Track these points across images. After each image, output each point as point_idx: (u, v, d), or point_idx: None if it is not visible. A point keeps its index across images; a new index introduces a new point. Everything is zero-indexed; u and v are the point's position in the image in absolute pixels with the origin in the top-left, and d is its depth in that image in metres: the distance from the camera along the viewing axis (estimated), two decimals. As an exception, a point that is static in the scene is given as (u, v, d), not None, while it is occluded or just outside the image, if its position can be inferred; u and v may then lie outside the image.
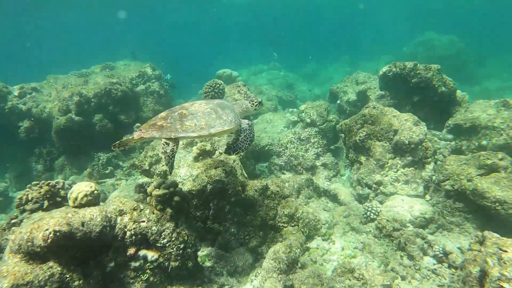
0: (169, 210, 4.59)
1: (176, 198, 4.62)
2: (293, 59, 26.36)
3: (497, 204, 5.31)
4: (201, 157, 6.15)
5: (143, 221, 4.46)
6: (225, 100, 7.80)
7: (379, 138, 6.61)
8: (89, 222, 4.03)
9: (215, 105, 4.31)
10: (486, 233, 4.33)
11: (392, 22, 39.43)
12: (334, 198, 6.88)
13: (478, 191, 5.49)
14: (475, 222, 5.75)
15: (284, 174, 8.10)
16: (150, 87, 11.46)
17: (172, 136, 3.90)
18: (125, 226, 4.36)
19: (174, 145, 4.01)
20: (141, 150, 8.58)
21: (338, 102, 10.91)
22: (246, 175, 6.37)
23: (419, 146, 6.44)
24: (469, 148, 7.57)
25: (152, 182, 6.33)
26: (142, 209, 4.57)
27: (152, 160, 6.81)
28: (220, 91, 7.94)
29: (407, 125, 6.45)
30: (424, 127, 6.52)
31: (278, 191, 6.18)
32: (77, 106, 9.32)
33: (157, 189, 4.59)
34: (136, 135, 4.03)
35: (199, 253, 5.76)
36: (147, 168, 6.90)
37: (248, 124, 4.71)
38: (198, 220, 5.81)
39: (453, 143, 7.98)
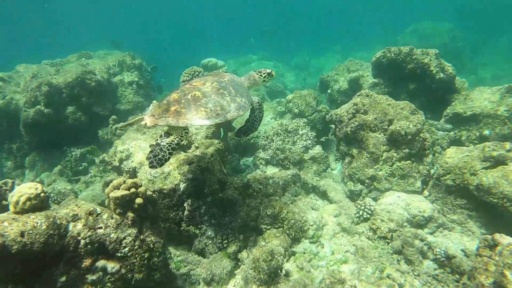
0: (130, 215, 3.93)
1: (138, 201, 3.95)
2: (284, 49, 25.58)
3: (505, 201, 4.74)
4: (174, 152, 5.47)
5: (100, 228, 3.82)
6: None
7: (373, 128, 5.99)
8: (31, 232, 3.34)
9: (227, 83, 4.01)
10: (497, 236, 3.74)
11: (385, 10, 38.72)
12: (323, 195, 6.27)
13: (484, 186, 4.91)
14: (480, 220, 5.18)
15: (270, 169, 7.48)
16: (128, 77, 10.66)
17: (189, 125, 3.58)
18: (79, 234, 3.70)
19: (177, 138, 3.72)
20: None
21: (329, 91, 10.26)
22: (225, 172, 5.72)
23: (417, 137, 5.83)
24: (469, 139, 7.00)
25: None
26: (99, 214, 3.90)
27: (123, 156, 6.11)
28: (200, 79, 7.23)
29: (403, 114, 5.84)
30: (421, 116, 5.91)
31: (261, 188, 5.55)
32: (46, 97, 8.52)
33: (116, 190, 3.92)
34: (149, 121, 3.59)
35: (175, 258, 5.17)
36: (117, 164, 6.20)
37: (258, 103, 4.49)
38: (172, 222, 5.19)
39: (452, 133, 7.41)
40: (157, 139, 3.76)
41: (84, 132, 9.21)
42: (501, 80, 15.76)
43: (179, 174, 5.10)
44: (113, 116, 8.94)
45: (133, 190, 3.95)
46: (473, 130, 6.99)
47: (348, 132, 6.19)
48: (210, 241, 5.07)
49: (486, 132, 6.64)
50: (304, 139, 7.56)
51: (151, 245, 4.02)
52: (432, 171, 5.98)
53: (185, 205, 5.12)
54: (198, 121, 3.57)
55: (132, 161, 5.66)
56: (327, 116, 7.74)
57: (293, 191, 5.92)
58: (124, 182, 4.02)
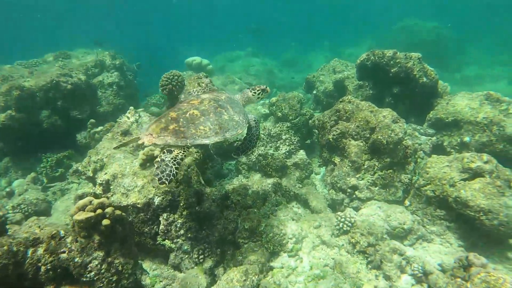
0: (96, 237, 3.76)
1: (105, 222, 3.77)
2: (273, 45, 25.24)
3: (481, 214, 4.73)
4: (148, 164, 5.29)
5: (63, 252, 3.65)
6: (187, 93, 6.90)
7: (355, 136, 5.90)
8: (-24, 263, 3.19)
9: (224, 101, 4.04)
10: (471, 256, 3.72)
11: (373, 7, 38.60)
12: (305, 203, 6.18)
13: (461, 199, 4.88)
14: (458, 232, 5.17)
15: (253, 174, 7.36)
16: (108, 78, 10.32)
17: (188, 144, 3.57)
18: (39, 260, 3.55)
19: (180, 153, 3.60)
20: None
21: (315, 92, 10.15)
22: (203, 182, 5.56)
23: (398, 146, 5.77)
24: (450, 144, 7.00)
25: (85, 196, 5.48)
26: (63, 237, 3.75)
27: (97, 166, 5.89)
28: (179, 83, 7.00)
29: (385, 123, 5.76)
30: (403, 125, 5.84)
31: (239, 200, 5.43)
32: (18, 101, 8.15)
33: (80, 212, 3.74)
34: (146, 140, 3.58)
35: (150, 273, 5.04)
36: (91, 175, 5.99)
37: (254, 120, 4.52)
38: (147, 236, 5.04)
39: (434, 138, 7.39)
40: (160, 156, 3.63)
41: (61, 137, 8.88)
42: (483, 80, 15.94)
43: (154, 187, 4.94)
44: (91, 120, 8.64)
45: (99, 211, 3.78)
46: (455, 136, 6.98)
47: (330, 139, 6.09)
48: (186, 256, 4.94)
49: (467, 138, 6.64)
50: (287, 144, 7.44)
51: (120, 268, 3.87)
52: (414, 179, 5.94)
53: (160, 219, 4.97)
54: (197, 140, 3.58)
55: (106, 173, 5.45)
56: (310, 121, 7.63)
57: (274, 201, 5.82)
58: (90, 202, 3.84)
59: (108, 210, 3.90)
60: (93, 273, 3.66)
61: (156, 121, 3.78)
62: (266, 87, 4.67)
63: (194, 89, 4.98)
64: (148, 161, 5.32)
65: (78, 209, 3.80)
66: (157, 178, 3.45)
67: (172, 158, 3.55)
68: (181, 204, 5.00)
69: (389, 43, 17.05)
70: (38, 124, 8.55)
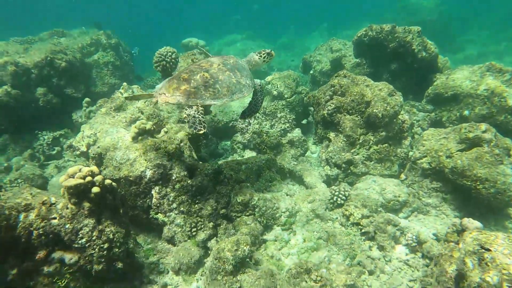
0: (86, 204, 3.73)
1: (94, 190, 3.73)
2: (270, 28, 24.84)
3: (478, 183, 4.65)
4: (140, 137, 5.22)
5: (54, 218, 3.64)
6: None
7: (350, 111, 5.79)
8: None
9: (232, 65, 4.21)
10: (465, 221, 3.65)
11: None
12: (300, 180, 6.12)
13: (458, 169, 4.80)
14: (453, 203, 5.11)
15: (248, 153, 7.29)
16: (104, 57, 10.17)
17: (198, 104, 3.79)
18: (31, 225, 3.56)
19: (198, 107, 3.81)
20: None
21: (311, 72, 9.98)
22: (196, 157, 5.50)
23: (394, 120, 5.66)
24: (449, 119, 6.88)
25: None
26: (54, 203, 3.73)
27: (90, 141, 5.84)
28: (173, 60, 6.87)
29: (381, 96, 5.63)
30: (399, 98, 5.71)
31: (232, 175, 5.35)
32: (13, 77, 8.06)
33: (70, 179, 3.70)
34: (161, 99, 3.80)
35: (145, 246, 5.03)
36: (85, 150, 5.94)
37: (260, 85, 4.67)
38: (140, 210, 5.01)
39: (432, 114, 7.27)
40: (185, 111, 3.87)
41: (57, 115, 8.83)
42: (487, 58, 15.61)
43: (145, 160, 4.88)
44: (87, 99, 8.53)
45: (89, 179, 3.74)
46: (454, 111, 6.85)
47: (325, 114, 5.98)
48: (179, 229, 4.91)
49: (466, 112, 6.51)
50: (282, 122, 7.34)
51: (111, 236, 3.85)
52: (410, 154, 5.84)
53: (152, 192, 4.93)
54: (207, 100, 3.79)
55: (98, 147, 5.39)
56: (305, 98, 7.50)
57: (268, 177, 5.74)
58: (80, 170, 3.80)
59: (98, 178, 3.85)
60: (84, 239, 3.66)
61: (168, 81, 3.96)
62: (271, 51, 4.83)
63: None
64: (140, 135, 5.26)
65: (68, 176, 3.76)
66: (193, 129, 3.70)
67: (195, 111, 3.78)
68: (173, 178, 4.94)
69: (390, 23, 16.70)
70: (34, 102, 8.48)
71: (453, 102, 6.88)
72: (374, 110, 5.51)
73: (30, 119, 8.62)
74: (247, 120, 7.62)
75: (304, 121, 8.11)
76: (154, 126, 5.31)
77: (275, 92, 7.73)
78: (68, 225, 3.62)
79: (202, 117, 3.78)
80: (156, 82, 11.74)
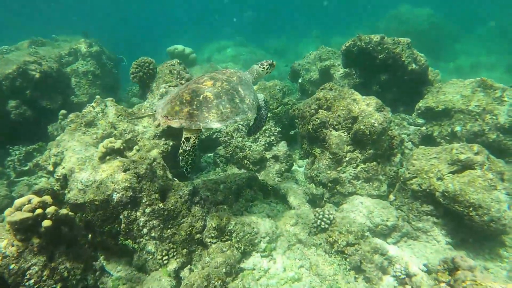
0: (36, 240, 3.31)
1: (45, 223, 3.33)
2: (262, 34, 24.55)
3: (470, 209, 4.32)
4: (108, 157, 4.81)
5: (-4, 258, 3.21)
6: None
7: (336, 126, 5.45)
8: None
9: (236, 83, 4.06)
10: (457, 259, 3.31)
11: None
12: (283, 199, 5.75)
13: (449, 193, 4.47)
14: (445, 228, 4.77)
15: (230, 168, 6.91)
16: (83, 66, 9.74)
17: (201, 128, 3.65)
18: (-36, 267, 3.11)
19: (195, 138, 3.84)
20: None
21: (300, 81, 9.67)
22: (170, 176, 5.10)
23: (383, 137, 5.33)
24: (441, 135, 6.60)
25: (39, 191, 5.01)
26: (-4, 240, 3.29)
27: (57, 160, 5.41)
28: (150, 71, 6.49)
29: (369, 111, 5.30)
30: (388, 114, 5.39)
31: (208, 196, 4.97)
32: (-20, 90, 7.62)
33: (17, 213, 3.29)
34: (162, 122, 3.71)
35: (114, 274, 4.60)
36: (52, 169, 5.51)
37: (264, 100, 4.60)
38: (108, 235, 4.59)
39: (423, 128, 6.98)
40: (181, 147, 3.88)
41: (31, 129, 8.34)
42: (479, 69, 15.52)
43: (112, 183, 4.46)
44: (62, 111, 8.09)
45: (39, 211, 3.33)
46: (445, 126, 6.58)
47: (310, 129, 5.64)
48: (151, 257, 4.50)
49: (457, 128, 6.23)
50: (267, 135, 6.98)
51: (65, 274, 3.44)
52: (400, 171, 5.52)
53: (121, 217, 4.52)
54: (210, 124, 3.65)
55: (63, 167, 4.97)
56: (290, 110, 7.16)
57: (248, 196, 5.36)
58: (29, 201, 3.39)
59: (50, 209, 3.45)
60: (32, 280, 3.23)
61: (170, 102, 3.81)
62: (272, 62, 4.80)
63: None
64: (108, 154, 4.85)
65: (15, 209, 3.35)
66: (184, 170, 3.81)
67: (191, 147, 3.81)
68: (143, 201, 4.54)
69: (382, 32, 16.53)
70: (5, 115, 7.99)
71: (444, 116, 6.61)
72: (361, 127, 5.18)
73: (1, 134, 8.12)
74: (229, 133, 7.27)
75: (292, 132, 7.78)
76: (123, 145, 4.91)
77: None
78: (13, 265, 3.18)
79: (194, 154, 3.89)
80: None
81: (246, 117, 3.95)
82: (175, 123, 3.61)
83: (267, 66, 4.76)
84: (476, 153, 4.59)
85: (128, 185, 4.48)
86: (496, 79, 6.64)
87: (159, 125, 3.82)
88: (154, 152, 5.10)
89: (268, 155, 6.60)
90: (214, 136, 7.72)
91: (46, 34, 11.40)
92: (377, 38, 7.11)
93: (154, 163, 4.99)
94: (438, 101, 6.69)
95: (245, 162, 6.31)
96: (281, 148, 6.82)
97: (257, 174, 6.18)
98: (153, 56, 7.68)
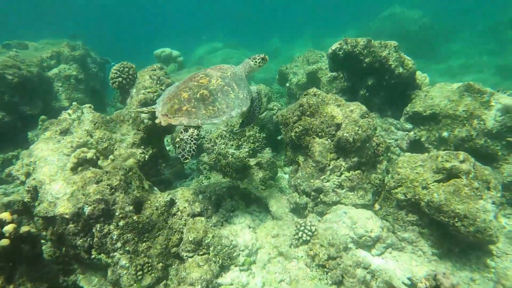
0: (-9, 261, 3.10)
1: (3, 243, 3.13)
2: (253, 36, 24.34)
3: (456, 220, 4.17)
4: (80, 168, 4.61)
5: None
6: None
7: (319, 134, 5.28)
8: None
9: (230, 78, 4.23)
10: (440, 276, 3.15)
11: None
12: (266, 207, 5.57)
13: (434, 203, 4.31)
14: (431, 238, 4.61)
15: (214, 175, 6.72)
16: (65, 70, 9.49)
17: (200, 124, 3.84)
18: None
19: (194, 129, 3.91)
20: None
21: (287, 84, 9.50)
22: (147, 187, 4.90)
23: (367, 144, 5.17)
24: (428, 140, 6.48)
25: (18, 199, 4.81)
26: None
27: (30, 170, 5.19)
28: (130, 76, 6.29)
29: (353, 118, 5.15)
30: (373, 120, 5.23)
31: (186, 207, 4.78)
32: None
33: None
34: (163, 120, 3.88)
35: (88, 290, 4.41)
36: (24, 179, 5.29)
37: (257, 92, 4.72)
38: (81, 250, 4.38)
39: (411, 133, 6.85)
40: (178, 136, 3.93)
41: (10, 135, 8.10)
42: (470, 69, 15.45)
43: (84, 195, 4.26)
44: (42, 116, 7.84)
45: (-6, 230, 3.12)
46: (433, 131, 6.44)
47: (293, 137, 5.47)
48: (125, 272, 4.31)
49: (445, 133, 6.10)
50: (251, 141, 6.81)
51: (26, 296, 3.23)
52: (386, 179, 5.36)
53: (93, 230, 4.32)
54: (208, 120, 3.85)
55: (34, 178, 4.75)
56: (274, 117, 6.99)
57: (229, 206, 5.18)
58: (-15, 218, 3.18)
59: (8, 228, 3.24)
60: (-15, 307, 3.02)
61: (169, 100, 3.97)
62: (265, 56, 4.93)
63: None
64: (80, 165, 4.64)
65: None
66: (180, 156, 3.79)
67: (189, 136, 3.85)
68: (117, 214, 4.34)
69: (374, 33, 16.43)
70: (-18, 121, 7.76)
71: (432, 121, 6.47)
72: (345, 134, 5.02)
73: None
74: (213, 140, 7.07)
75: (279, 137, 7.61)
76: (96, 155, 4.70)
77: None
78: (-35, 287, 2.99)
79: (194, 143, 3.85)
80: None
81: (241, 110, 4.11)
82: (174, 121, 3.81)
83: (260, 60, 4.87)
84: (462, 161, 4.44)
85: (100, 197, 4.28)
86: (486, 80, 6.53)
87: (160, 123, 3.90)
88: (130, 162, 4.89)
89: (252, 162, 6.42)
90: (199, 141, 7.53)
91: (34, 37, 11.14)
92: (363, 42, 6.96)
93: (130, 173, 4.80)
94: (425, 105, 6.55)
95: (228, 169, 6.13)
96: (266, 155, 6.65)
97: (240, 182, 6.00)
98: (144, 58, 7.52)
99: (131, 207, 4.44)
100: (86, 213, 4.23)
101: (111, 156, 5.01)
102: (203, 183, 6.48)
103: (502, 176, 5.62)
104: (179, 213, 4.76)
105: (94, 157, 4.63)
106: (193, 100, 3.86)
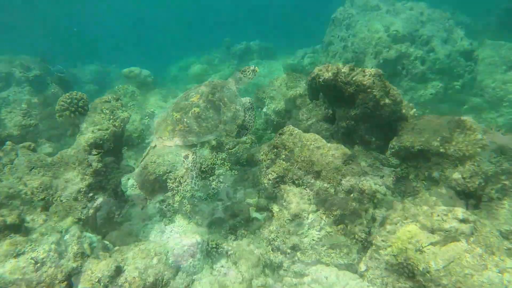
0: None
1: None
2: (232, 51, 23.31)
3: (458, 295, 3.48)
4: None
5: None
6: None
7: (296, 182, 4.56)
8: None
9: (220, 93, 4.30)
10: None
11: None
12: (234, 264, 4.76)
13: (431, 274, 3.63)
14: (427, 310, 3.91)
15: (179, 219, 5.88)
16: (16, 94, 8.48)
17: (195, 142, 3.97)
18: None
19: (193, 154, 4.03)
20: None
21: (265, 110, 8.80)
22: (89, 251, 4.02)
23: (351, 194, 4.48)
24: (417, 178, 5.85)
25: None
26: None
27: None
28: (80, 108, 5.42)
29: (334, 165, 4.45)
30: (357, 167, 4.57)
31: (135, 277, 3.92)
32: None
33: None
34: (158, 144, 3.97)
35: None
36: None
37: (250, 102, 4.79)
38: None
39: (398, 169, 6.21)
40: (183, 165, 4.06)
41: None
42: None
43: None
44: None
45: None
46: (422, 169, 5.83)
47: (266, 184, 4.72)
48: None
49: (435, 174, 5.50)
50: (221, 180, 6.01)
51: None
52: (373, 232, 4.66)
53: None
54: (202, 137, 3.98)
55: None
56: (245, 155, 6.23)
57: (190, 269, 4.35)
58: None
59: None
60: None
61: (162, 123, 4.07)
62: (255, 67, 4.92)
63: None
64: (-1, 230, 3.72)
65: None
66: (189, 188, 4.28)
67: (192, 164, 3.97)
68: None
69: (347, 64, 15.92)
70: None
71: (420, 158, 5.86)
72: (325, 185, 4.31)
73: None
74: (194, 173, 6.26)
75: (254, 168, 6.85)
76: (19, 218, 3.79)
77: (213, 142, 6.42)
78: None
79: (200, 164, 4.13)
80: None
81: (235, 124, 4.23)
82: (169, 143, 3.90)
83: (250, 72, 4.85)
84: (462, 220, 3.80)
85: (20, 277, 3.38)
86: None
87: (155, 146, 4.01)
88: (68, 222, 4.01)
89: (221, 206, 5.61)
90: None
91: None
92: (345, 70, 6.34)
93: (67, 236, 3.92)
94: (413, 140, 5.94)
95: (194, 216, 5.30)
96: (238, 196, 5.86)
97: (206, 229, 5.19)
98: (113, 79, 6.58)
99: (63, 284, 3.56)
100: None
101: (43, 216, 4.11)
102: (165, 232, 5.62)
103: (498, 222, 5.04)
104: (126, 285, 3.89)
105: (17, 221, 3.72)
106: (185, 119, 3.94)
